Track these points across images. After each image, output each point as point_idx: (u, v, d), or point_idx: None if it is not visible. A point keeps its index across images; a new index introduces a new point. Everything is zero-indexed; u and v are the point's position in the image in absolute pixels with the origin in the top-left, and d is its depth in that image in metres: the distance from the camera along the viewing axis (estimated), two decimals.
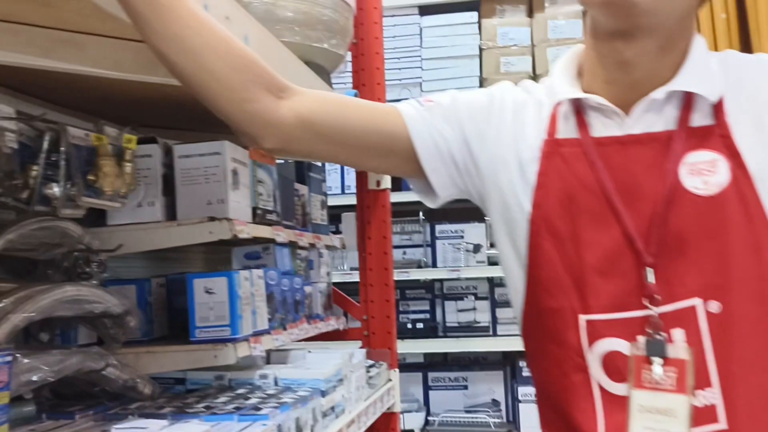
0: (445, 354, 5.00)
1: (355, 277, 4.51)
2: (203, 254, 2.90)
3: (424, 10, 4.82)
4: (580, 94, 1.10)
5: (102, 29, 1.45)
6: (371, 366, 2.49)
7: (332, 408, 1.94)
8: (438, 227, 4.73)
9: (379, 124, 1.16)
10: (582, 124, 1.09)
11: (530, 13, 4.68)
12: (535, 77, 4.58)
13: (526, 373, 4.48)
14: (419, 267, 4.64)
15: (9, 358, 1.18)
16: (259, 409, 1.59)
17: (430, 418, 4.62)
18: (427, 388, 4.76)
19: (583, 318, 1.05)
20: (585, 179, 1.07)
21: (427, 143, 1.15)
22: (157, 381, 1.82)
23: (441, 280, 4.74)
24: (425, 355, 4.97)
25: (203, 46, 1.10)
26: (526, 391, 4.44)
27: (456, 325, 4.72)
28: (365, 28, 2.76)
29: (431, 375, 4.75)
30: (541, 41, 4.57)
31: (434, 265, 4.72)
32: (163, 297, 2.05)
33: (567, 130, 1.11)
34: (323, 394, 1.87)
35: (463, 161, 1.16)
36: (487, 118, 1.16)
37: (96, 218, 1.81)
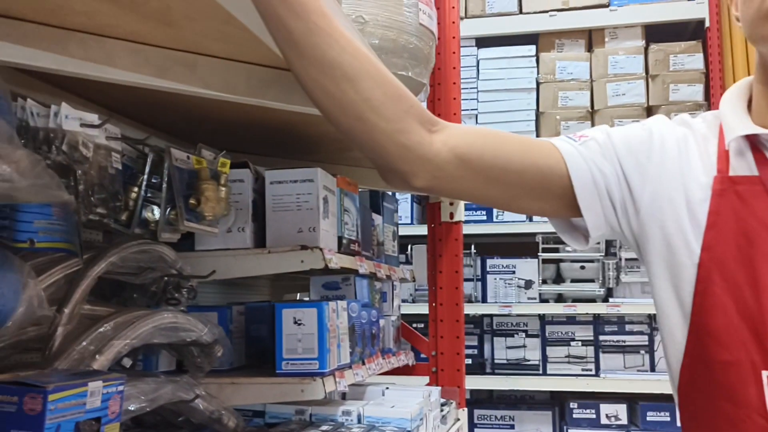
0: (491, 391, 4.89)
1: (408, 309, 4.47)
2: (269, 281, 2.85)
3: (481, 43, 4.80)
4: (760, 130, 1.03)
5: (214, 50, 1.42)
6: (443, 404, 2.41)
7: None
8: (489, 261, 4.66)
9: (537, 159, 1.09)
10: (763, 161, 1.03)
11: (589, 48, 4.64)
12: (593, 112, 4.52)
13: (577, 414, 4.36)
14: (469, 302, 4.55)
15: (122, 387, 1.13)
16: None
17: None
18: (472, 426, 4.64)
19: (766, 374, 0.97)
20: (767, 219, 0.99)
21: (585, 180, 1.08)
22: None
23: (491, 316, 4.66)
24: (471, 391, 4.85)
25: (362, 73, 1.03)
26: None
27: (504, 362, 4.62)
28: (443, 58, 2.72)
29: (477, 412, 4.64)
30: (600, 76, 4.52)
31: (484, 300, 4.64)
32: (242, 325, 1.99)
33: (742, 166, 1.04)
34: None
35: (621, 199, 1.09)
36: (647, 154, 1.09)
37: (180, 243, 1.77)
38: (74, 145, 1.27)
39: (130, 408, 1.35)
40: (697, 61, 4.43)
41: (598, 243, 4.41)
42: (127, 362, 1.69)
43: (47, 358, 1.29)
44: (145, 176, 1.49)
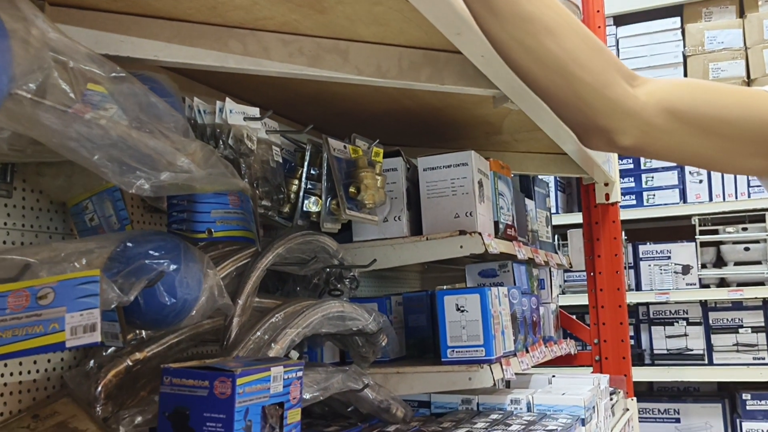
0: (651, 383, 4.65)
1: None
2: (419, 274, 2.84)
3: (620, 20, 4.59)
4: None
5: (365, 35, 1.41)
6: (611, 394, 2.29)
7: None
8: (642, 248, 4.43)
9: (754, 108, 0.99)
10: None
11: (741, 14, 4.32)
12: (749, 82, 4.20)
13: (750, 406, 4.06)
14: None
15: (301, 373, 1.13)
16: None
17: None
18: None
19: None
20: None
21: None
22: None
23: (646, 304, 4.43)
24: None
25: (562, 25, 0.97)
26: (752, 427, 4.01)
27: (665, 352, 4.38)
28: None
29: (638, 405, 4.40)
30: (755, 43, 4.20)
31: (638, 288, 4.42)
32: (401, 315, 1.98)
33: None
34: (583, 422, 1.71)
35: None
36: None
37: (338, 235, 1.77)
38: (240, 138, 1.29)
39: (305, 397, 1.36)
40: None
41: (764, 222, 4.10)
42: (294, 355, 1.72)
43: (226, 348, 1.33)
44: (305, 168, 1.51)
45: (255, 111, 1.36)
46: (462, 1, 1.04)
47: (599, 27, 2.63)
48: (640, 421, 4.43)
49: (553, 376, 2.00)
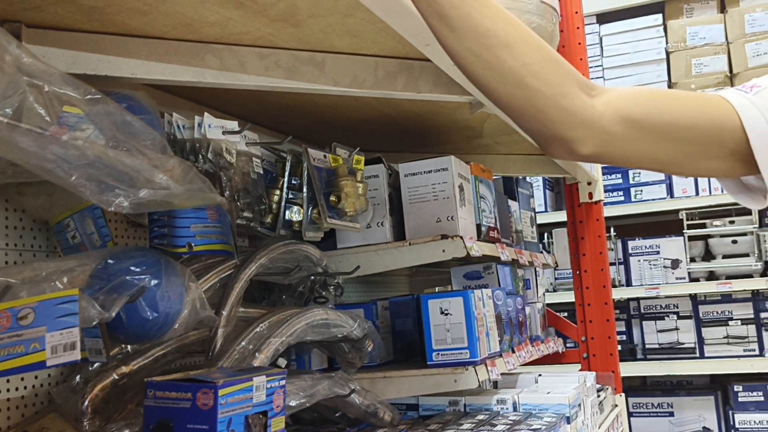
0: (644, 378, 4.68)
1: (549, 298, 4.36)
2: (407, 278, 2.87)
3: (602, 18, 4.62)
4: None
5: (340, 46, 1.43)
6: (598, 390, 2.32)
7: None
8: (631, 243, 4.46)
9: (707, 113, 1.01)
10: None
11: (722, 9, 4.36)
12: (732, 77, 4.24)
13: (743, 397, 4.09)
14: (613, 286, 4.36)
15: (284, 381, 1.16)
16: None
17: None
18: (628, 415, 4.45)
19: None
20: None
21: (762, 133, 0.99)
22: None
23: (637, 299, 4.46)
24: (623, 378, 4.66)
25: (518, 39, 0.99)
26: (745, 418, 4.04)
27: (656, 346, 4.41)
28: (566, 35, 2.63)
29: (632, 400, 4.45)
30: (737, 37, 4.23)
31: (628, 283, 4.45)
32: (387, 320, 2.01)
33: None
34: (568, 420, 1.73)
35: None
36: None
37: (321, 243, 1.80)
38: (219, 152, 1.31)
39: (290, 404, 1.38)
40: None
41: (750, 215, 4.14)
42: (282, 362, 1.74)
43: (211, 359, 1.35)
44: (285, 178, 1.53)
45: (234, 124, 1.38)
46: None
47: (578, 28, 2.66)
48: (634, 417, 4.47)
49: (540, 375, 2.03)
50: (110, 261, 1.05)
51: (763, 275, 4.12)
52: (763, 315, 4.18)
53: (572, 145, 1.01)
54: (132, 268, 1.06)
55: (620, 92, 1.03)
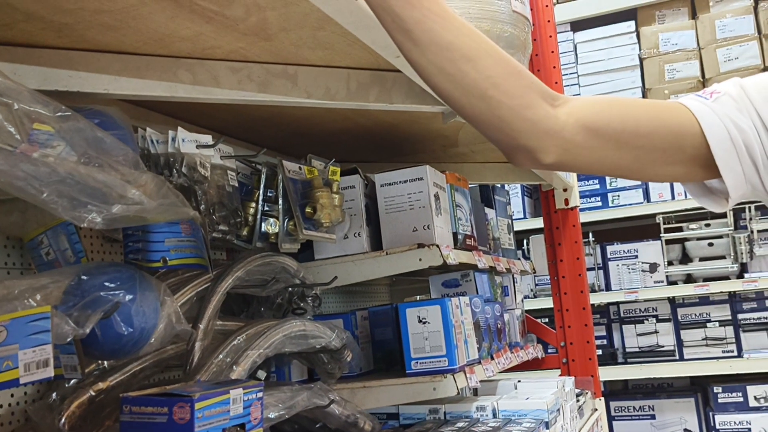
0: (625, 381, 4.72)
1: (529, 304, 4.38)
2: (387, 288, 2.88)
3: (577, 26, 4.68)
4: None
5: (312, 58, 1.45)
6: (578, 395, 2.34)
7: None
8: (609, 248, 4.51)
9: (667, 119, 1.04)
10: None
11: (693, 15, 4.43)
12: (704, 82, 4.31)
13: (722, 398, 4.14)
14: (592, 291, 4.41)
15: (261, 394, 1.16)
16: None
17: None
18: (610, 418, 4.49)
19: None
20: None
21: (722, 138, 1.01)
22: None
23: (617, 303, 4.50)
24: (605, 383, 4.70)
25: (480, 52, 1.01)
26: (725, 419, 4.08)
27: (636, 349, 4.45)
28: (539, 43, 2.67)
29: (613, 404, 4.48)
30: (708, 43, 4.30)
31: (608, 288, 4.49)
32: (367, 330, 2.01)
33: None
34: (547, 425, 1.75)
35: (762, 155, 1.02)
36: None
37: (299, 254, 1.80)
38: (193, 166, 1.32)
39: (269, 416, 1.38)
40: None
41: (725, 217, 4.19)
42: (261, 374, 1.74)
43: (188, 373, 1.34)
44: (261, 191, 1.53)
45: (208, 138, 1.39)
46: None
47: (550, 36, 2.69)
48: (616, 420, 4.50)
49: (519, 381, 2.04)
50: (84, 277, 1.05)
51: (739, 277, 4.18)
52: (740, 316, 4.23)
53: (536, 155, 1.03)
54: (106, 283, 1.06)
55: (582, 101, 1.06)
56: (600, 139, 1.03)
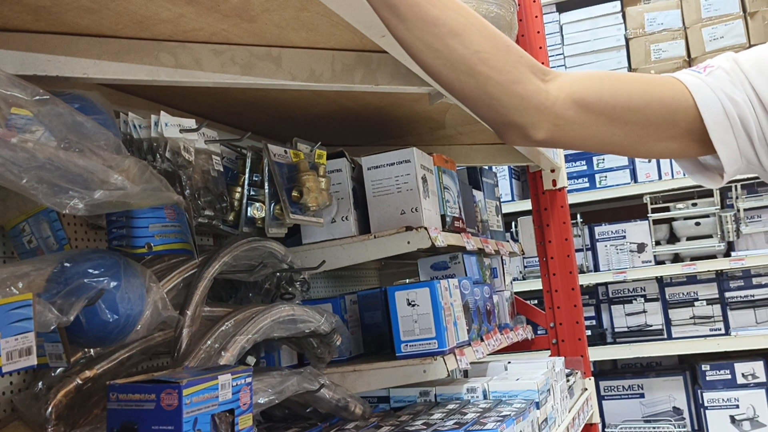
0: (615, 361, 4.75)
1: (519, 286, 4.39)
2: (376, 271, 2.87)
3: (562, 7, 4.67)
4: None
5: (296, 40, 1.43)
6: (568, 375, 2.35)
7: (545, 420, 1.82)
8: (597, 229, 4.52)
9: (660, 94, 1.02)
10: None
11: None
12: (690, 61, 4.31)
13: (710, 376, 4.17)
14: (581, 272, 4.43)
15: (250, 379, 1.15)
16: (483, 424, 1.50)
17: (607, 430, 4.39)
18: (600, 398, 4.52)
19: None
20: None
21: (716, 112, 0.99)
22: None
23: (605, 284, 4.52)
24: (594, 363, 4.73)
25: (467, 27, 0.99)
26: (713, 397, 4.12)
27: (625, 329, 4.48)
28: (525, 24, 2.65)
29: (603, 384, 4.51)
30: (693, 22, 4.30)
31: (596, 269, 4.51)
32: (356, 314, 2.01)
33: None
34: (537, 405, 1.75)
35: (758, 127, 1.00)
36: None
37: (287, 239, 1.79)
38: (177, 151, 1.30)
39: (259, 401, 1.38)
40: None
41: (712, 196, 4.21)
42: (251, 360, 1.72)
43: (176, 359, 1.33)
44: (246, 175, 1.52)
45: (191, 122, 1.37)
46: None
47: (536, 16, 2.68)
48: (605, 399, 4.53)
49: (509, 362, 2.04)
50: (67, 264, 1.04)
51: (726, 255, 4.20)
52: (727, 295, 4.26)
53: (527, 131, 1.01)
54: (90, 270, 1.04)
55: (573, 76, 1.04)
56: (592, 114, 1.01)
